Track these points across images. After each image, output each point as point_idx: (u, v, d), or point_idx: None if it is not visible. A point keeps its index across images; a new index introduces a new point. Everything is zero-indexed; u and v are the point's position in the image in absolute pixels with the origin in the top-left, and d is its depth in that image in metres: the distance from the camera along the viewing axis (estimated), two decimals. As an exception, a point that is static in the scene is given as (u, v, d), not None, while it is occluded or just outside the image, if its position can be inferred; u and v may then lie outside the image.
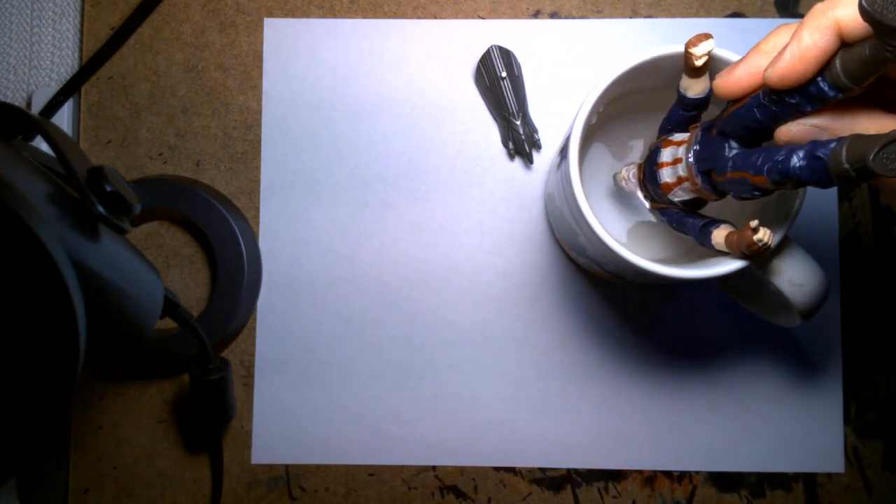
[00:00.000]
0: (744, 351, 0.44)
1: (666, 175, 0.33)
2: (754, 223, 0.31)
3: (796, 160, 0.27)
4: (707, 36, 0.31)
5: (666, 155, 0.33)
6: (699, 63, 0.31)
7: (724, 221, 0.33)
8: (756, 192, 0.30)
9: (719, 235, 0.33)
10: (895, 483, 0.43)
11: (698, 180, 0.32)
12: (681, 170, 0.33)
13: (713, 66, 0.33)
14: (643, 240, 0.41)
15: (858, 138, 0.25)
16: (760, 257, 0.33)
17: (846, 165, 0.25)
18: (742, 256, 0.33)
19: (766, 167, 0.28)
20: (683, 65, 0.32)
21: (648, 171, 0.35)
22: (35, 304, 0.23)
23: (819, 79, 0.26)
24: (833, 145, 0.26)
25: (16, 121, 0.30)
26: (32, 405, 0.24)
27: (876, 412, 0.44)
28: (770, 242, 0.31)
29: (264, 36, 0.45)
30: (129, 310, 0.33)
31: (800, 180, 0.27)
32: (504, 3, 0.45)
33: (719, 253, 0.33)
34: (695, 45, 0.31)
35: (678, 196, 0.34)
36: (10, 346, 0.23)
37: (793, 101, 0.27)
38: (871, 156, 0.24)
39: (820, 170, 0.26)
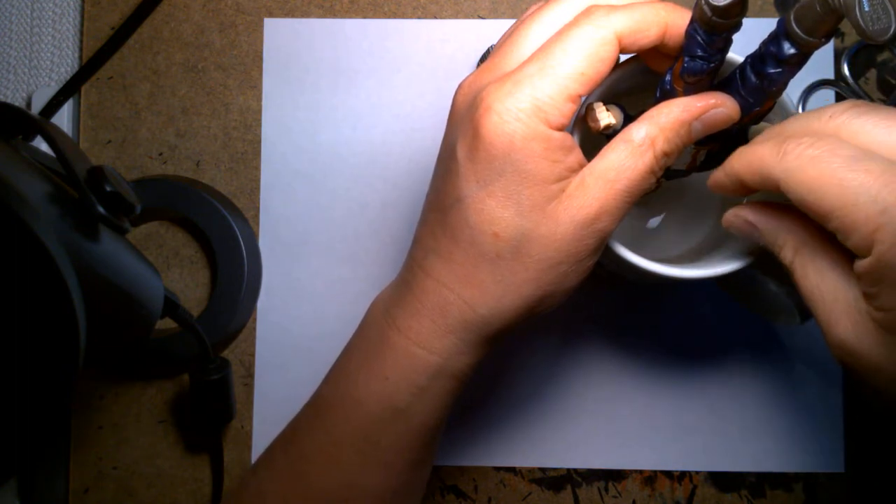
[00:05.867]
0: (744, 351, 0.44)
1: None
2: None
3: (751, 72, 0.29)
4: (611, 110, 0.31)
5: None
6: (596, 127, 0.31)
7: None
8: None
9: None
10: (895, 483, 0.43)
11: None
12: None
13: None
14: (644, 240, 0.41)
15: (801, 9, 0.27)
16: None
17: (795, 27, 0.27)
18: None
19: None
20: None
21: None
22: (35, 304, 0.23)
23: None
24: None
25: (16, 121, 0.30)
26: (32, 405, 0.24)
27: (876, 412, 0.44)
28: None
29: (264, 36, 0.45)
30: (129, 309, 0.33)
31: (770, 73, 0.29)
32: (504, 3, 0.45)
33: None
34: (599, 112, 0.31)
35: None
36: (10, 346, 0.23)
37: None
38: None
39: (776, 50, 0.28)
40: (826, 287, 0.28)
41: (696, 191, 0.41)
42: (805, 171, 0.26)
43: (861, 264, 0.26)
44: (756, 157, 0.28)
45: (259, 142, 0.45)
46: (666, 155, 0.30)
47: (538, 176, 0.29)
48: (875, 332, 0.26)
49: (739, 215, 0.31)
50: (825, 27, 0.26)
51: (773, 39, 0.28)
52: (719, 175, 0.30)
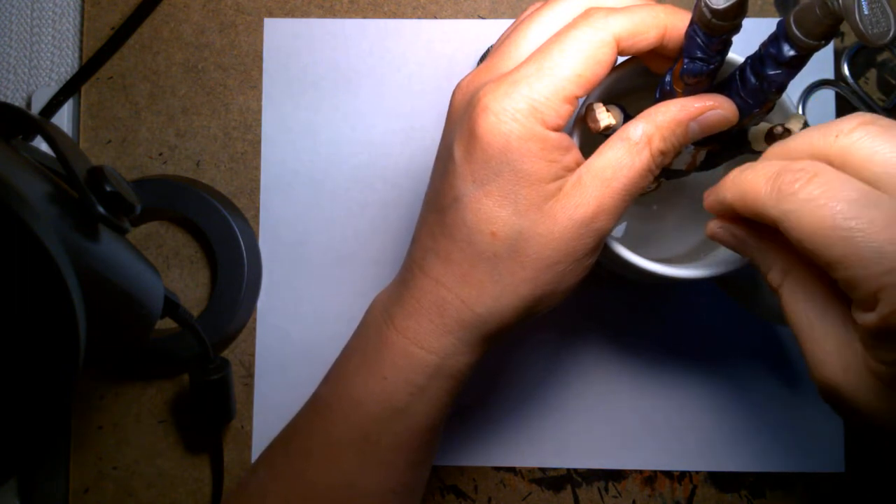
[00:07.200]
0: (744, 351, 0.44)
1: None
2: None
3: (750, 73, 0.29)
4: (611, 111, 0.31)
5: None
6: (595, 128, 0.31)
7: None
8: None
9: None
10: (895, 483, 0.43)
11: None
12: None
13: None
14: (644, 240, 0.41)
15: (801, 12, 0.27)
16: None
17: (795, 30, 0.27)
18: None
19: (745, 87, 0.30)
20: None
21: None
22: (35, 304, 0.23)
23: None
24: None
25: (16, 121, 0.30)
26: (32, 405, 0.24)
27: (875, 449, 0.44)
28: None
29: (264, 36, 0.45)
30: (130, 310, 0.33)
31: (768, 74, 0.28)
32: (504, 3, 0.45)
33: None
34: (599, 112, 0.31)
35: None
36: (10, 346, 0.23)
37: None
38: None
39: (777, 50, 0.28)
40: (816, 322, 0.26)
41: (695, 191, 0.41)
42: (804, 217, 0.24)
43: (864, 318, 0.24)
44: (750, 191, 0.26)
45: (259, 142, 0.45)
46: (662, 153, 0.30)
47: (535, 175, 0.29)
48: (869, 379, 0.25)
49: (725, 227, 0.29)
50: (824, 29, 0.26)
51: (773, 41, 0.28)
52: (712, 201, 0.29)
